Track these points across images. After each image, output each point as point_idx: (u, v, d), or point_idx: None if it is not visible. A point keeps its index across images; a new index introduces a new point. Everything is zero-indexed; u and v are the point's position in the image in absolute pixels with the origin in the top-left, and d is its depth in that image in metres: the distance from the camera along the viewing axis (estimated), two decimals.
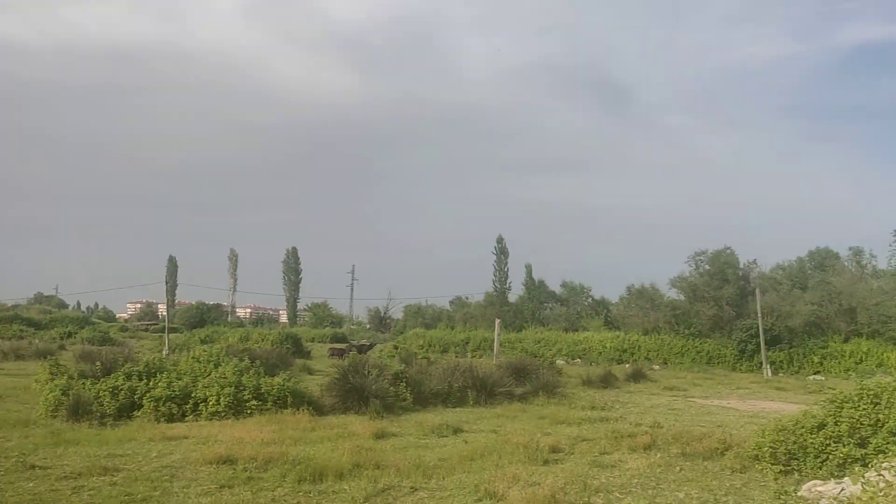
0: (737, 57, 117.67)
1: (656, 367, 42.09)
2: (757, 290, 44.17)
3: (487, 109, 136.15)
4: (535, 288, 63.73)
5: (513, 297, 65.15)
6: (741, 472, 12.59)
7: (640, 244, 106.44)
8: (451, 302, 71.47)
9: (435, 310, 70.77)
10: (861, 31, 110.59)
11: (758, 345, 42.24)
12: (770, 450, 12.94)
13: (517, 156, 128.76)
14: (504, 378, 22.76)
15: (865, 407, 13.65)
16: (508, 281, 66.35)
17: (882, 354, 40.75)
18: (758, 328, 42.16)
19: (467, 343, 51.83)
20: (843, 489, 9.74)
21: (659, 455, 13.66)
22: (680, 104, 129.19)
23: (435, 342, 52.33)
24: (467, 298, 69.72)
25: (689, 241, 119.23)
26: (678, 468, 12.66)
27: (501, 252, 65.78)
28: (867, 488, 4.99)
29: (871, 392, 14.03)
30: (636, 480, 11.61)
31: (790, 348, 43.06)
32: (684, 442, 14.53)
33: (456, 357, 38.12)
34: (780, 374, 40.56)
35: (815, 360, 42.23)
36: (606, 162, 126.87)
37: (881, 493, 7.95)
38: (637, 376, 31.89)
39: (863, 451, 12.69)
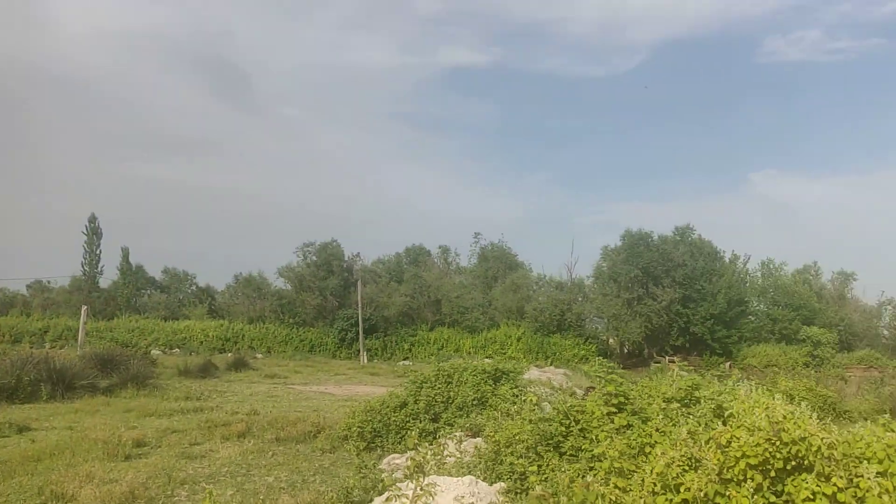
0: (353, 59, 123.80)
1: (260, 355, 42.18)
2: (359, 282, 47.00)
3: (86, 75, 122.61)
4: (131, 273, 58.78)
5: (105, 282, 59.05)
6: (331, 453, 13.04)
7: (251, 232, 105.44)
8: (28, 286, 62.13)
9: (6, 294, 60.79)
10: (456, 54, 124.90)
11: (357, 333, 44.98)
12: (358, 429, 13.66)
13: (119, 130, 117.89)
14: (87, 370, 20.57)
15: (440, 386, 15.21)
16: (101, 265, 59.51)
17: (459, 341, 46.39)
18: (358, 317, 44.90)
19: (46, 332, 46.00)
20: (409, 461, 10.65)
21: (252, 442, 13.54)
22: (298, 97, 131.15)
23: (5, 331, 45.41)
24: (49, 283, 61.38)
25: (300, 232, 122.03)
26: (271, 453, 12.65)
27: (94, 233, 58.56)
28: (416, 454, 5.47)
29: (446, 373, 15.71)
30: (226, 469, 11.29)
31: (385, 336, 46.63)
32: (279, 427, 14.64)
33: (31, 348, 33.54)
34: (376, 361, 43.69)
35: (406, 346, 46.43)
36: (221, 146, 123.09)
37: (432, 455, 8.97)
38: (239, 365, 31.50)
39: (435, 425, 14.09)
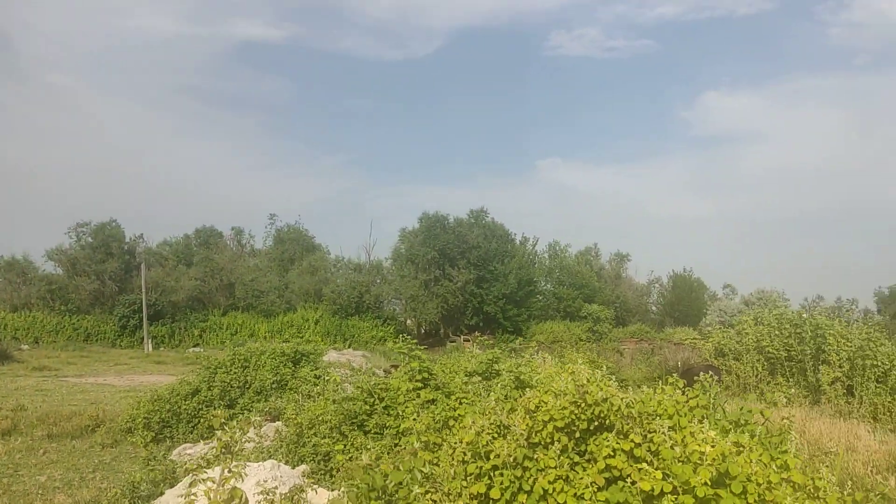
0: (134, 26, 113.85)
1: (25, 346, 37.97)
2: (142, 265, 43.85)
3: None
4: None
5: None
6: (112, 447, 12.04)
7: (14, 211, 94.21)
8: None
9: None
10: (248, 27, 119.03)
11: (141, 320, 42.00)
12: (144, 421, 12.71)
13: None
14: None
15: (236, 371, 14.56)
16: None
17: (254, 326, 44.87)
18: (141, 303, 41.92)
19: None
20: (212, 447, 10.06)
21: (20, 440, 12.18)
22: (70, 64, 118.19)
23: None
24: None
25: (73, 212, 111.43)
26: (42, 451, 11.42)
27: None
28: (223, 434, 5.09)
29: (242, 357, 15.06)
30: None
31: (173, 322, 43.96)
32: (51, 423, 13.27)
33: None
34: (162, 349, 41.08)
35: (196, 332, 44.08)
36: None
37: (240, 434, 8.49)
38: (1, 357, 28.30)
39: (231, 412, 13.46)
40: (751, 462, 4.47)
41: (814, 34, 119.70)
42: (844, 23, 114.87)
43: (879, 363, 15.49)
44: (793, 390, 14.53)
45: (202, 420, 13.08)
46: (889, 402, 15.09)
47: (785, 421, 5.39)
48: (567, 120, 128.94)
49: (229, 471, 4.07)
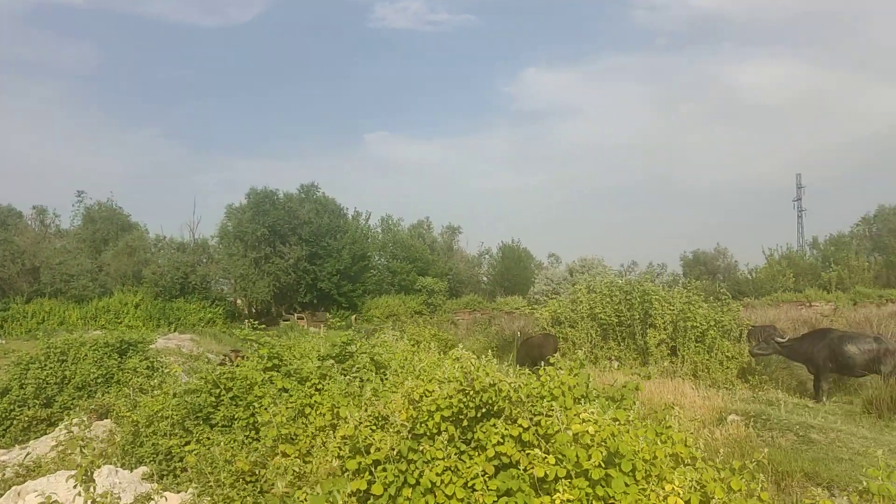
0: None
1: None
2: None
3: None
4: None
5: None
6: None
7: None
8: None
9: None
10: None
11: None
12: None
13: None
14: None
15: (52, 366, 13.19)
16: None
17: (64, 313, 41.13)
18: None
19: None
20: (28, 453, 9.07)
21: None
22: None
23: None
24: None
25: None
26: None
27: None
28: (84, 459, 4.38)
29: (59, 350, 13.64)
30: None
31: None
32: None
33: None
34: None
35: None
36: None
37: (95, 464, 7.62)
38: None
39: (49, 411, 12.25)
40: (638, 439, 4.47)
41: (620, 15, 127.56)
42: (646, 5, 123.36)
43: (698, 324, 16.75)
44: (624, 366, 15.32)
45: (15, 422, 11.78)
46: (706, 360, 16.40)
47: (668, 396, 5.51)
48: (394, 93, 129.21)
49: (93, 502, 3.41)
